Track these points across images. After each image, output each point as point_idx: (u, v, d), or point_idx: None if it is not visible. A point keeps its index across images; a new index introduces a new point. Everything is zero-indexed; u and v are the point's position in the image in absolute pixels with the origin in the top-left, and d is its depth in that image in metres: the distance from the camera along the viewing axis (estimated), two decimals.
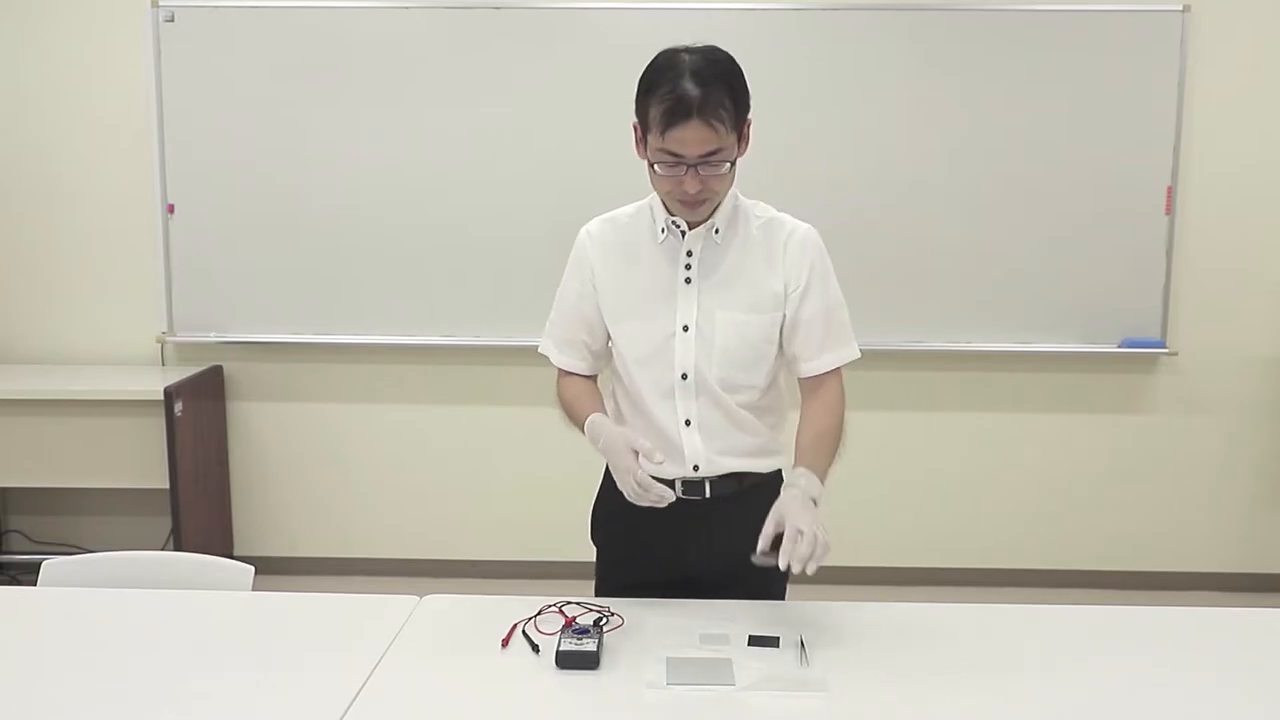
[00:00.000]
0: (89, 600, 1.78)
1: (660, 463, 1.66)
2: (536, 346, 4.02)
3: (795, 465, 1.72)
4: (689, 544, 1.81)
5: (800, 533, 1.54)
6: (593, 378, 1.91)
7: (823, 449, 1.74)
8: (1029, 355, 3.77)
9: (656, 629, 1.66)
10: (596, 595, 1.84)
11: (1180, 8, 3.55)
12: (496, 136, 3.65)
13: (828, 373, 1.81)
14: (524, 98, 3.63)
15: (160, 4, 3.62)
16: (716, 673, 1.51)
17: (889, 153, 3.64)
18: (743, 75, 1.67)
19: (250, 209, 3.71)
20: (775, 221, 1.81)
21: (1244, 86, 3.64)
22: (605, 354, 1.89)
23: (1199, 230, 3.70)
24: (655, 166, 1.67)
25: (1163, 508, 3.89)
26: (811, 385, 1.82)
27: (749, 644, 1.60)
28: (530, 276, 3.69)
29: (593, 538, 1.96)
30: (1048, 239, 3.66)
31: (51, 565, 1.88)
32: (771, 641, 1.60)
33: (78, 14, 3.69)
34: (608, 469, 1.89)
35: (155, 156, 3.68)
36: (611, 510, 1.88)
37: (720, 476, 1.82)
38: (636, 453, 1.66)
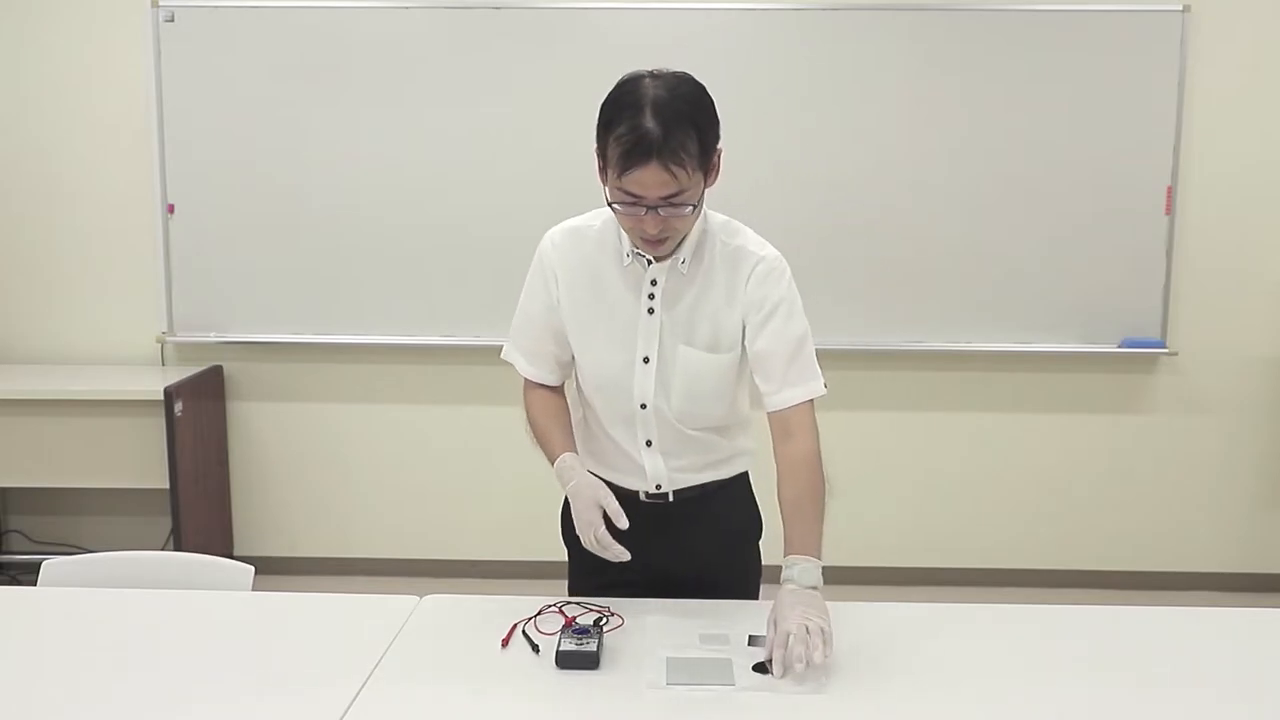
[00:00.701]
0: (89, 600, 1.78)
1: (626, 528, 1.64)
2: None
3: (786, 550, 1.64)
4: (656, 545, 1.76)
5: (789, 635, 1.48)
6: (560, 389, 1.87)
7: (808, 515, 1.66)
8: (1029, 355, 3.77)
9: (656, 629, 1.66)
10: (570, 595, 1.81)
11: (1180, 8, 3.55)
12: (496, 136, 3.65)
13: (795, 408, 1.71)
14: (524, 98, 3.63)
15: (160, 4, 3.61)
16: (716, 673, 1.51)
17: (889, 153, 3.64)
18: (711, 107, 1.58)
19: (250, 209, 3.70)
20: (741, 251, 1.72)
21: (1244, 86, 3.64)
22: (570, 363, 1.83)
23: (1199, 230, 3.70)
24: (611, 202, 1.60)
25: (1163, 508, 3.89)
26: (779, 422, 1.72)
27: (749, 644, 1.60)
28: None
29: (563, 537, 1.93)
30: (1048, 239, 3.66)
31: (51, 565, 1.88)
32: None
33: (78, 14, 3.69)
34: None
35: (155, 156, 3.68)
36: None
37: (682, 488, 1.82)
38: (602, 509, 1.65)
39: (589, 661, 1.53)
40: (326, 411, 3.90)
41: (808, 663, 1.46)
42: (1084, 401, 3.83)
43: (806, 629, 1.48)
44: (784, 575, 1.61)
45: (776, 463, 1.73)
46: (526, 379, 1.86)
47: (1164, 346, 3.71)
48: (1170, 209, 3.65)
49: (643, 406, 1.75)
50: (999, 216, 3.66)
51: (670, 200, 1.55)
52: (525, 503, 3.90)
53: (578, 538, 1.83)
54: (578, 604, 1.73)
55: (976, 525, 3.91)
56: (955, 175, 3.64)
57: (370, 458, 3.92)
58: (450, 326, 3.76)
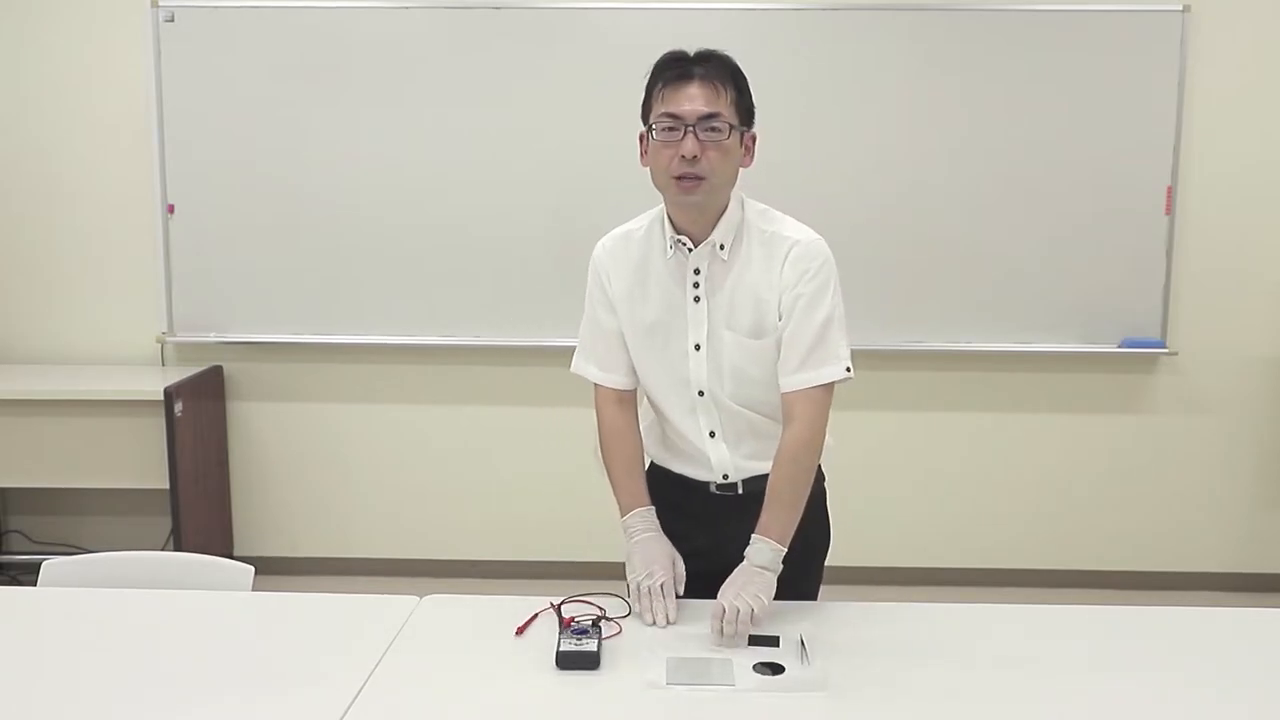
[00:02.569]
0: (89, 600, 1.78)
1: (681, 594, 1.72)
2: (536, 346, 4.01)
3: (756, 529, 1.72)
4: (726, 535, 1.81)
5: (724, 609, 1.60)
6: (632, 406, 1.91)
7: (783, 502, 1.73)
8: (1029, 355, 3.77)
9: (656, 629, 1.66)
10: (629, 587, 1.81)
11: (1180, 8, 3.55)
12: (496, 136, 3.65)
13: (800, 392, 1.74)
14: (524, 98, 3.63)
15: (160, 4, 3.61)
16: (716, 673, 1.51)
17: (889, 153, 3.63)
18: (746, 81, 1.71)
19: (250, 209, 3.70)
20: (777, 236, 1.76)
21: (1244, 86, 3.64)
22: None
23: (1199, 230, 3.70)
24: (654, 134, 1.68)
25: (1163, 508, 3.88)
26: (787, 404, 1.76)
27: (749, 643, 1.60)
28: (530, 276, 3.69)
29: None
30: (1048, 239, 3.66)
31: (51, 565, 1.89)
32: (771, 641, 1.61)
33: (78, 14, 3.69)
34: (649, 467, 1.92)
35: (155, 156, 3.68)
36: (653, 502, 1.88)
37: (752, 478, 1.84)
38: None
39: (589, 661, 1.53)
40: (326, 411, 3.90)
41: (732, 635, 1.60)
42: (1084, 401, 3.83)
43: (738, 610, 1.59)
44: (746, 550, 1.71)
45: (779, 442, 1.78)
46: (598, 387, 1.89)
47: (1164, 346, 3.71)
48: (1170, 209, 3.65)
49: (700, 394, 1.80)
50: (999, 216, 3.66)
51: (709, 122, 1.64)
52: (525, 503, 3.91)
53: None
54: (578, 600, 1.72)
55: (976, 525, 3.91)
56: (955, 175, 3.64)
57: (370, 458, 3.92)
58: (450, 326, 3.76)
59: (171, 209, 3.71)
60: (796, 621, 1.68)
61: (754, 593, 1.63)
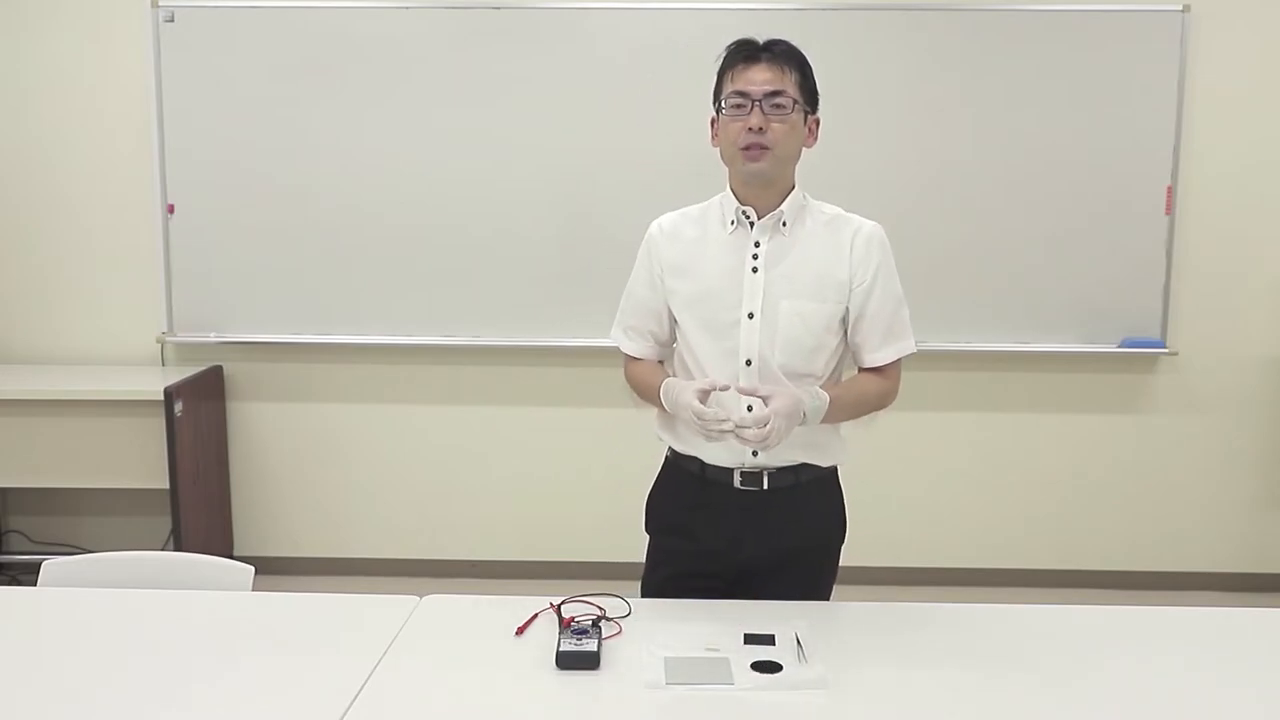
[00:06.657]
0: (89, 600, 1.78)
1: (726, 388, 1.74)
2: (536, 346, 4.02)
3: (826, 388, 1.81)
4: (744, 536, 1.85)
5: (766, 420, 1.65)
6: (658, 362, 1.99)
7: (854, 396, 1.85)
8: (1029, 355, 3.77)
9: (656, 629, 1.66)
10: (643, 585, 1.91)
11: (1180, 8, 3.55)
12: (496, 136, 3.65)
13: (884, 366, 1.89)
14: (524, 97, 3.63)
15: (160, 4, 3.62)
16: (716, 672, 1.52)
17: (888, 153, 3.63)
18: (811, 69, 1.86)
19: (250, 209, 3.70)
20: (842, 218, 1.90)
21: (1244, 86, 3.64)
22: (670, 342, 1.96)
23: (1199, 230, 3.70)
24: (723, 112, 1.81)
25: (1163, 508, 3.88)
26: (874, 370, 1.91)
27: (744, 642, 1.60)
28: (530, 276, 3.69)
29: (646, 527, 2.00)
30: (1048, 239, 3.66)
31: (51, 565, 1.89)
32: (767, 639, 1.61)
33: (78, 14, 3.69)
34: (666, 460, 1.96)
35: (155, 157, 3.68)
36: (670, 500, 1.94)
37: (778, 469, 1.85)
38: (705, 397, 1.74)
39: (589, 661, 1.53)
40: (326, 411, 3.90)
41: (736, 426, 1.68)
42: (1084, 401, 3.83)
43: (769, 427, 1.65)
44: (812, 391, 1.77)
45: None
46: (627, 356, 1.98)
47: (1164, 346, 3.71)
48: (1170, 209, 3.65)
49: (748, 363, 1.82)
50: (999, 216, 3.66)
51: (774, 99, 1.78)
52: (525, 503, 3.91)
53: (663, 527, 1.93)
54: (578, 601, 1.72)
55: (975, 525, 3.91)
56: (955, 175, 3.64)
57: (370, 458, 3.92)
58: (450, 326, 3.76)
59: (171, 209, 3.71)
60: (792, 620, 1.68)
61: (781, 430, 1.66)
